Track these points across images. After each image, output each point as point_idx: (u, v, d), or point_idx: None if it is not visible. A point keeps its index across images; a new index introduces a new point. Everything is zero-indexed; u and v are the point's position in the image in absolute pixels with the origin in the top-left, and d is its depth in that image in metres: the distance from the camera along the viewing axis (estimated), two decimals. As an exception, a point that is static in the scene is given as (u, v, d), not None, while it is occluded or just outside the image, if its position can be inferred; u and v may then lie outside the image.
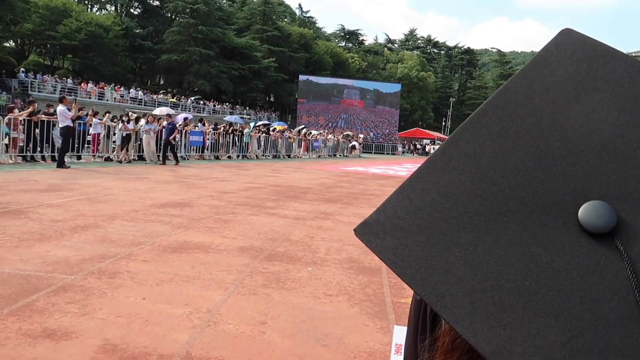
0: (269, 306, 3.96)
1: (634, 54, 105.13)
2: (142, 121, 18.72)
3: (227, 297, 4.10)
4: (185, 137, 21.71)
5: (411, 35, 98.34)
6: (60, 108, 14.36)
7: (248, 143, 26.59)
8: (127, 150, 17.76)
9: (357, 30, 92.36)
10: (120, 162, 17.26)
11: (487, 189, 0.44)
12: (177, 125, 21.28)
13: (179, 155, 21.14)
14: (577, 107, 0.46)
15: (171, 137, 18.18)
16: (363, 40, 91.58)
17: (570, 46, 0.50)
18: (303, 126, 40.35)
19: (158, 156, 18.53)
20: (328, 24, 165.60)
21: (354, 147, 44.35)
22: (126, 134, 17.64)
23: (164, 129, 18.49)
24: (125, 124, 17.75)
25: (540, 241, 0.41)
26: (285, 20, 77.00)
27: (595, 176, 0.43)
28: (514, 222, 0.42)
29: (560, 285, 0.38)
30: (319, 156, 35.27)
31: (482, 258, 0.41)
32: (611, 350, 0.35)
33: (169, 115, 19.41)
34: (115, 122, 18.18)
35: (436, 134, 64.67)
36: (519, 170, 0.44)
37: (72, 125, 14.52)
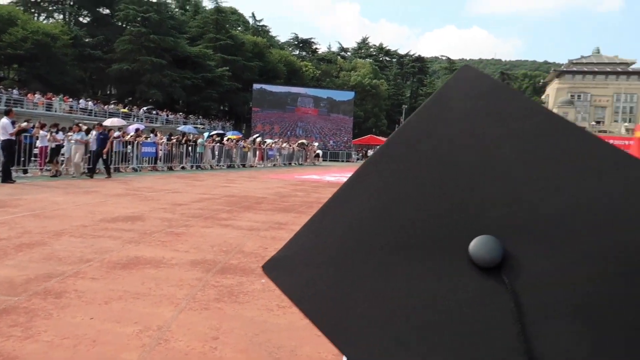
0: (221, 321, 3.94)
1: (574, 61, 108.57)
2: (92, 132, 18.13)
3: (178, 313, 4.05)
4: (137, 148, 21.30)
5: (364, 43, 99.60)
6: (5, 121, 13.85)
7: (202, 153, 26.30)
8: (57, 162, 16.94)
9: (311, 38, 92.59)
10: (61, 175, 16.76)
11: (389, 224, 0.45)
12: (119, 135, 20.67)
13: (130, 166, 20.74)
14: (472, 143, 0.48)
15: (105, 149, 17.26)
16: (316, 48, 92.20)
17: (469, 83, 0.54)
18: (258, 135, 40.20)
19: (89, 169, 17.38)
20: (281, 33, 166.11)
21: (318, 156, 44.80)
22: (56, 145, 16.86)
23: (90, 141, 17.61)
24: (54, 134, 17.04)
25: (436, 275, 0.42)
26: (239, 29, 76.67)
27: (486, 211, 0.44)
28: (412, 256, 0.43)
29: (452, 319, 0.39)
30: (274, 165, 35.20)
31: (382, 293, 0.41)
32: None
33: (99, 125, 18.55)
34: (65, 135, 17.56)
35: (390, 141, 65.42)
36: (418, 206, 0.45)
37: (13, 138, 14.01)
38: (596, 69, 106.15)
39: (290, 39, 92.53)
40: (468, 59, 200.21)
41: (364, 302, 0.41)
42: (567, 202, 0.43)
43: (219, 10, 66.77)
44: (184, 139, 25.24)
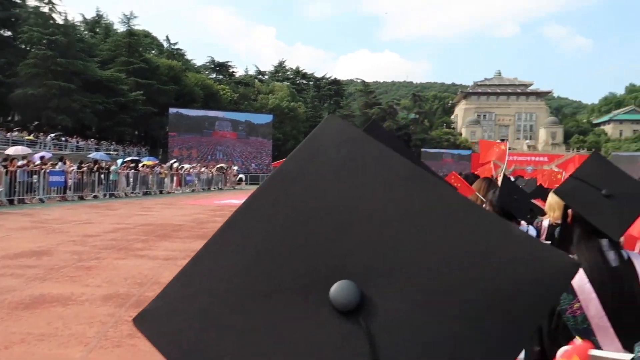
0: (134, 358, 3.80)
1: (479, 83, 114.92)
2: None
3: (88, 352, 3.86)
4: (44, 177, 20.16)
5: (280, 66, 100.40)
6: None
7: (116, 181, 25.31)
8: None
9: (227, 62, 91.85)
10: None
11: (257, 271, 0.46)
12: (23, 164, 19.39)
13: (36, 197, 19.56)
14: (334, 190, 0.51)
15: None
16: (233, 72, 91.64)
17: (332, 132, 0.58)
18: (175, 160, 39.27)
19: None
20: (197, 56, 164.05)
21: (241, 180, 44.50)
22: None
23: None
24: None
25: (300, 321, 0.44)
26: (153, 52, 74.97)
27: (346, 256, 0.47)
28: (279, 303, 0.45)
29: None
30: (192, 190, 34.47)
31: (250, 342, 0.42)
32: None
33: None
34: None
35: (309, 162, 66.07)
36: (285, 253, 0.48)
37: None
38: (499, 90, 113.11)
39: (207, 63, 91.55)
40: (382, 81, 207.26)
41: (231, 352, 0.42)
42: (417, 246, 0.47)
43: (131, 33, 65.06)
44: (96, 166, 24.19)
